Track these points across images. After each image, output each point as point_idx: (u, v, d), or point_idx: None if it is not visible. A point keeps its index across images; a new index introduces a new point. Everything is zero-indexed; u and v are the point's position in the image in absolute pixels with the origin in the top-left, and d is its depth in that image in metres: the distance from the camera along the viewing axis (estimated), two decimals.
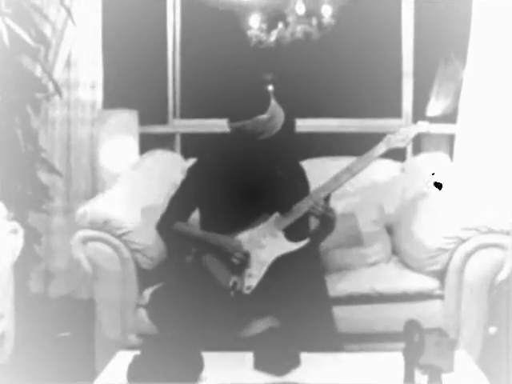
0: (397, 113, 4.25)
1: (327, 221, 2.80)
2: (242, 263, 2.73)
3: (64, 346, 3.52)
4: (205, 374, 2.23)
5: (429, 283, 3.00)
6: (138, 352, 2.24)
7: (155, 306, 2.82)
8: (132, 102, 4.02)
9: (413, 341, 2.08)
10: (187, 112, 4.37)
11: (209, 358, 2.27)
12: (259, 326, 2.60)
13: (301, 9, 3.80)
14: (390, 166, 3.65)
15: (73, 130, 3.96)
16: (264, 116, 2.70)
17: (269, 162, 2.84)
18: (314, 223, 2.90)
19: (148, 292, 2.93)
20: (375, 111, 4.30)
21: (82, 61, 3.91)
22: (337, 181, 2.79)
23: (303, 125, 3.97)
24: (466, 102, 3.79)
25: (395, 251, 3.39)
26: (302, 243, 2.75)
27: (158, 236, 2.96)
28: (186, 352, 2.22)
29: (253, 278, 2.71)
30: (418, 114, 4.19)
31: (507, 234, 2.92)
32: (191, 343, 2.31)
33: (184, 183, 2.96)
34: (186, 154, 3.97)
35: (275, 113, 2.73)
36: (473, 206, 3.06)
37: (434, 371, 2.08)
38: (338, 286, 2.99)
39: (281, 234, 2.77)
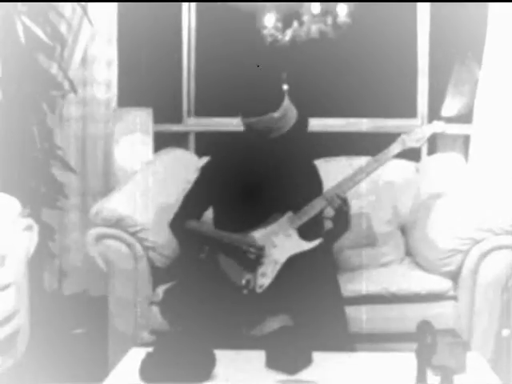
0: (412, 113, 4.24)
1: (342, 220, 2.79)
2: (259, 257, 2.73)
3: (77, 342, 3.53)
4: (217, 371, 2.23)
5: (442, 284, 2.99)
6: (150, 349, 2.25)
7: (168, 303, 2.83)
8: (147, 101, 4.04)
9: (425, 341, 2.07)
10: (201, 111, 4.38)
11: (221, 355, 2.27)
12: (271, 324, 2.60)
13: (316, 8, 3.80)
14: (405, 166, 3.64)
15: (88, 127, 3.98)
16: (277, 113, 2.70)
17: (282, 160, 2.84)
18: (328, 222, 2.89)
19: (161, 289, 2.94)
20: (390, 111, 4.29)
21: (98, 59, 3.92)
22: (351, 180, 2.79)
23: (317, 124, 3.96)
24: (482, 102, 3.77)
25: (409, 251, 3.38)
26: (316, 242, 2.75)
27: (171, 234, 2.97)
28: (199, 349, 2.23)
29: (266, 276, 2.71)
30: (434, 114, 4.18)
31: None
32: (204, 341, 2.31)
33: (197, 182, 2.97)
34: (199, 153, 3.98)
35: (288, 111, 2.73)
36: (487, 207, 3.05)
37: (446, 372, 2.08)
38: (350, 285, 2.98)
39: (294, 233, 2.77)
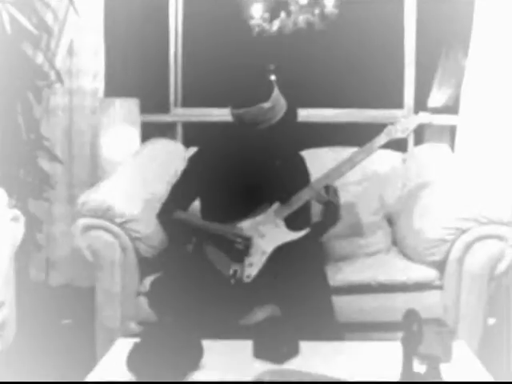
0: (398, 103, 4.25)
1: (331, 210, 2.80)
2: (246, 248, 2.73)
3: (65, 333, 3.53)
4: (204, 361, 2.24)
5: (428, 274, 3.01)
6: (137, 339, 2.25)
7: (155, 294, 2.83)
8: (133, 91, 4.02)
9: (412, 330, 2.08)
10: (189, 101, 4.37)
11: (208, 345, 2.27)
12: (259, 314, 2.61)
13: None
14: (392, 157, 3.66)
15: (74, 118, 3.96)
16: (266, 104, 2.69)
17: (270, 151, 2.84)
18: (316, 214, 2.90)
19: (148, 280, 2.94)
20: (377, 101, 4.30)
21: (84, 49, 3.90)
22: (338, 171, 2.80)
23: (305, 114, 3.93)
24: (468, 93, 3.78)
25: (395, 241, 3.39)
26: (303, 232, 2.76)
27: (158, 224, 2.97)
28: (186, 340, 2.23)
29: (253, 266, 2.72)
30: (420, 104, 4.19)
31: (507, 224, 2.92)
32: (191, 331, 2.32)
33: (185, 172, 2.97)
34: (187, 143, 3.97)
35: (277, 102, 2.73)
36: (473, 197, 3.07)
37: (432, 361, 2.09)
38: (337, 275, 3.00)
39: (281, 224, 2.78)
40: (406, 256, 3.20)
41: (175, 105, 4.35)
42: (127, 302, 3.00)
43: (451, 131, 4.03)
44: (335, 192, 2.78)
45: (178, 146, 3.90)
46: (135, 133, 3.96)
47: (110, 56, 3.99)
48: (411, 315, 2.09)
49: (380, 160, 3.51)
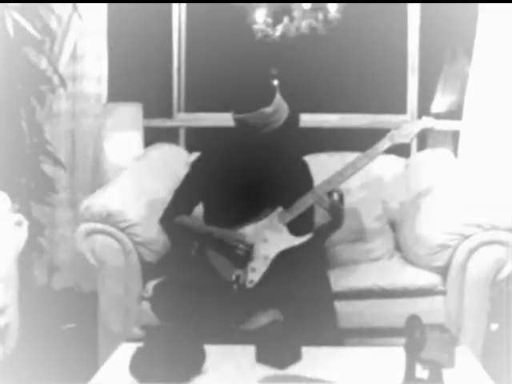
0: (402, 108, 4.25)
1: (334, 214, 2.80)
2: (247, 255, 2.73)
3: (67, 337, 3.53)
4: (207, 366, 2.24)
5: (431, 279, 3.00)
6: (140, 344, 2.25)
7: (158, 298, 2.83)
8: (137, 96, 4.03)
9: (414, 336, 2.08)
10: (192, 106, 4.37)
11: (211, 350, 2.28)
12: (261, 319, 2.61)
13: (306, 3, 3.79)
14: (395, 162, 3.65)
15: (77, 122, 3.96)
16: (268, 109, 2.70)
17: (273, 156, 2.84)
18: (319, 218, 2.90)
19: (151, 284, 2.94)
20: (380, 107, 4.30)
21: (88, 53, 3.90)
22: (340, 176, 2.80)
23: (308, 119, 3.96)
24: (472, 98, 3.78)
25: (398, 247, 3.39)
26: (305, 238, 2.76)
27: (161, 229, 2.97)
28: (189, 344, 2.23)
29: (256, 272, 2.72)
30: (423, 109, 4.19)
31: (510, 230, 2.92)
32: (194, 336, 2.32)
33: (188, 177, 2.97)
34: (190, 148, 3.98)
35: (279, 106, 2.74)
36: (476, 203, 3.06)
37: (434, 366, 2.08)
38: (340, 280, 2.99)
39: (284, 229, 2.78)
40: (409, 261, 3.20)
41: (178, 110, 4.36)
42: (130, 306, 3.00)
43: (454, 136, 4.03)
44: (340, 197, 2.77)
45: (181, 151, 3.90)
46: (138, 137, 3.96)
47: (113, 61, 3.99)
48: (414, 321, 2.09)
49: (383, 165, 3.51)
